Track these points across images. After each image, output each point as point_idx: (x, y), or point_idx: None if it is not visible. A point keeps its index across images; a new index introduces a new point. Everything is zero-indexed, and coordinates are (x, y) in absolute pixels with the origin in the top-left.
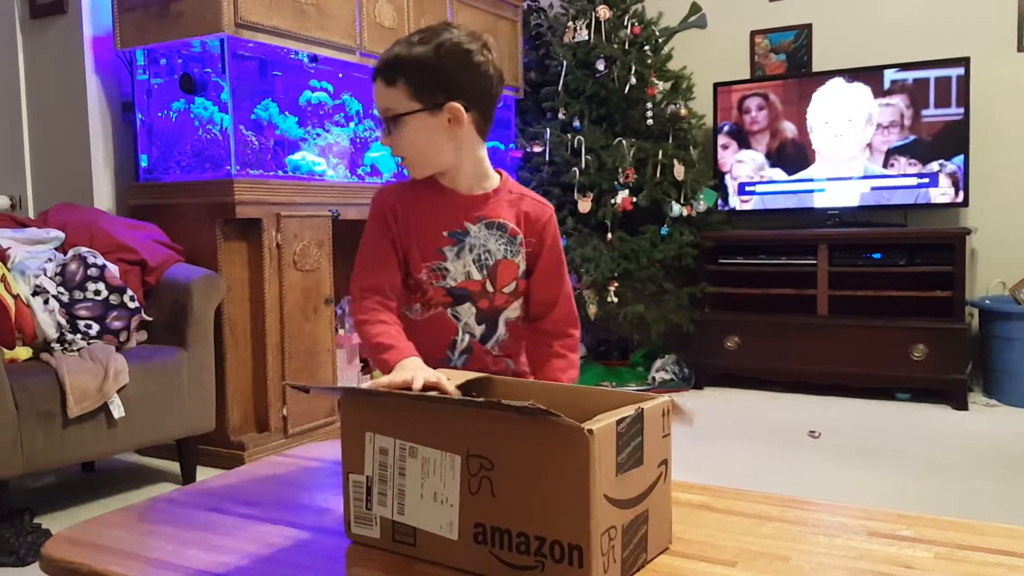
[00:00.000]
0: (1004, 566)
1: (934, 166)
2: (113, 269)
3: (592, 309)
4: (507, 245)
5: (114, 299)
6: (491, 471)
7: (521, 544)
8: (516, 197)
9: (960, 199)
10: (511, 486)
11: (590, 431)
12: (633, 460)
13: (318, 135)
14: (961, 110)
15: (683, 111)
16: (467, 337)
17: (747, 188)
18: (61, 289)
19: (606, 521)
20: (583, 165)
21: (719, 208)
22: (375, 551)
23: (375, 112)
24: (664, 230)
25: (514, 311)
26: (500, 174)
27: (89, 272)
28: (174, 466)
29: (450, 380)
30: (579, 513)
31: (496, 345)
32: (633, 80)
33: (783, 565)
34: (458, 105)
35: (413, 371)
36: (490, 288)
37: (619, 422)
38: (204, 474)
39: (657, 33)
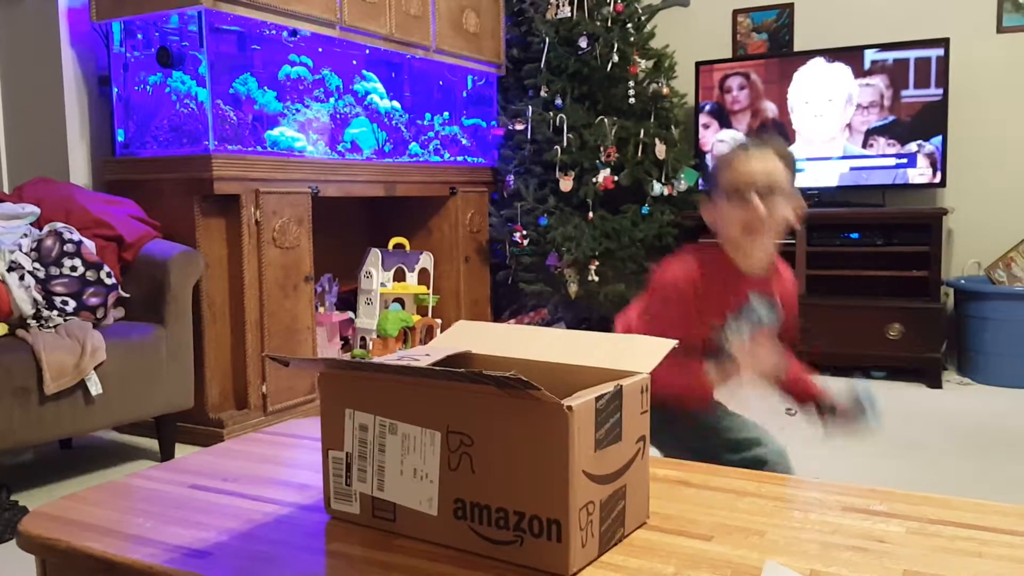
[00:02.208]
0: (974, 540)
1: (912, 147)
2: (89, 245)
3: (573, 288)
4: (770, 312)
5: (91, 275)
6: (471, 447)
7: (500, 519)
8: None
9: (938, 180)
10: (490, 462)
11: (569, 408)
12: (611, 436)
13: (297, 110)
14: (940, 91)
15: (665, 90)
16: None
17: None
18: (37, 265)
19: (584, 496)
20: (565, 143)
21: (700, 187)
22: (355, 527)
23: (747, 178)
24: (645, 209)
25: None
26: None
27: (65, 248)
28: (152, 443)
29: (430, 356)
30: (558, 488)
31: None
32: (615, 58)
33: (758, 539)
34: None
35: None
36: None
37: (598, 399)
38: (182, 452)
39: (640, 11)
